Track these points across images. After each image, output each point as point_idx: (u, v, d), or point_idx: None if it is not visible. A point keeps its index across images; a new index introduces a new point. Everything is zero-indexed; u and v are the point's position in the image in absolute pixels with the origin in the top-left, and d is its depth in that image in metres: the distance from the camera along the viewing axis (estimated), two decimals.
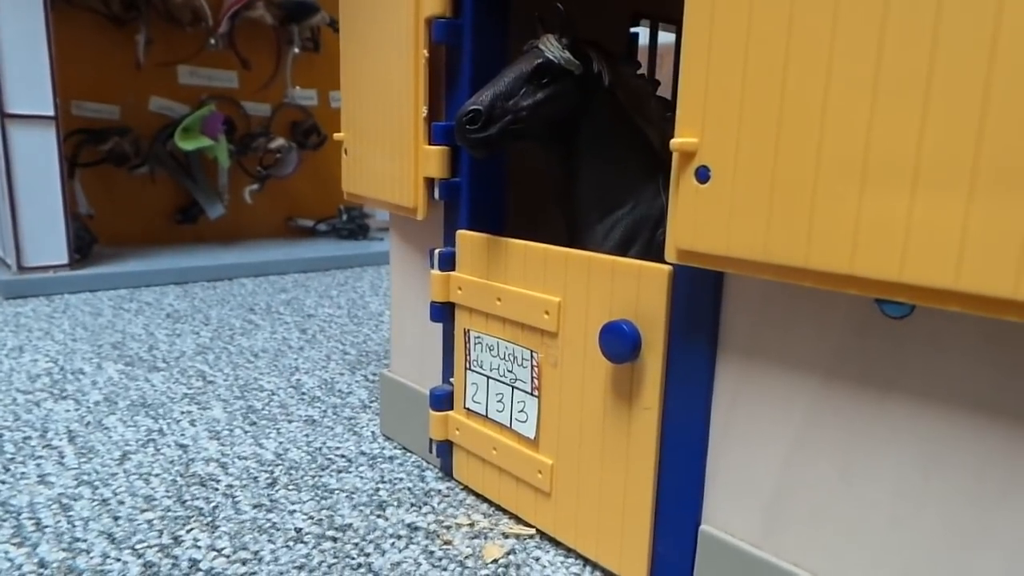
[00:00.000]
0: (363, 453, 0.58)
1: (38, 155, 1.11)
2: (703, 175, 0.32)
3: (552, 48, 0.44)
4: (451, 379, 0.53)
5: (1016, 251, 0.24)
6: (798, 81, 0.29)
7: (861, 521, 0.32)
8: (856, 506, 0.32)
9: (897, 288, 0.27)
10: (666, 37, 0.76)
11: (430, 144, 0.49)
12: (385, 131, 0.52)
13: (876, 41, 0.26)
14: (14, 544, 0.44)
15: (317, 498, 0.51)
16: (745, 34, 0.30)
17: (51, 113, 1.11)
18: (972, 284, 0.25)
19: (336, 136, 0.59)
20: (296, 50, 1.61)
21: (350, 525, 0.47)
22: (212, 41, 1.46)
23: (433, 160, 0.49)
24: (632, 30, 0.73)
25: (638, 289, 0.39)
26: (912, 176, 0.26)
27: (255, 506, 0.49)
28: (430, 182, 0.50)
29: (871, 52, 0.27)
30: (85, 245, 1.25)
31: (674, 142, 0.33)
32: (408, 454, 0.59)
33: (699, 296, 0.37)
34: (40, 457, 0.56)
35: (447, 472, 0.55)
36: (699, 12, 0.32)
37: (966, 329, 0.28)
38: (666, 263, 0.36)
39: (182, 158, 1.46)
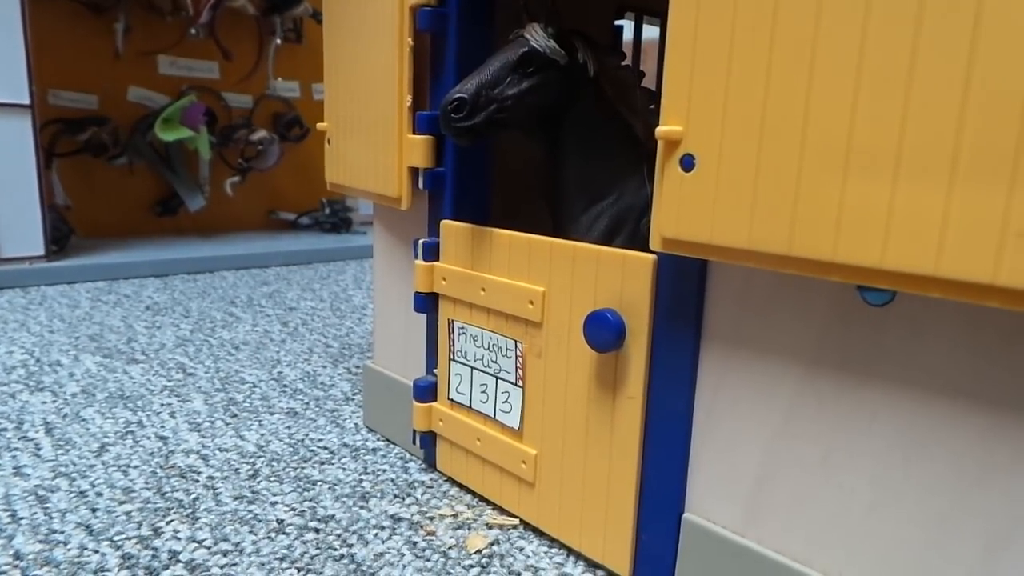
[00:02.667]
0: (346, 445, 0.58)
1: (13, 144, 1.09)
2: (688, 163, 0.32)
3: (538, 37, 0.44)
4: (435, 370, 0.53)
5: (995, 237, 0.24)
6: (782, 70, 0.29)
7: (842, 508, 0.33)
8: (837, 493, 0.33)
9: (879, 275, 0.27)
10: (650, 32, 0.76)
11: (414, 133, 0.49)
12: (369, 120, 0.52)
13: (859, 31, 0.27)
14: None
15: (299, 490, 0.50)
16: (730, 22, 0.30)
17: (27, 102, 1.09)
18: (952, 270, 0.25)
19: (319, 126, 0.58)
20: (278, 41, 1.60)
21: (333, 516, 0.47)
22: (193, 31, 1.44)
23: (417, 149, 0.49)
24: (616, 23, 0.73)
25: (622, 278, 0.39)
26: (894, 164, 0.26)
27: (236, 498, 0.49)
28: (414, 172, 0.50)
29: (854, 41, 0.27)
30: (62, 236, 1.23)
31: (659, 130, 0.33)
32: (391, 446, 0.58)
33: (683, 284, 0.37)
34: (16, 449, 0.55)
35: (431, 463, 0.54)
36: None
37: (946, 316, 0.29)
38: (650, 252, 0.36)
39: (162, 149, 1.45)
